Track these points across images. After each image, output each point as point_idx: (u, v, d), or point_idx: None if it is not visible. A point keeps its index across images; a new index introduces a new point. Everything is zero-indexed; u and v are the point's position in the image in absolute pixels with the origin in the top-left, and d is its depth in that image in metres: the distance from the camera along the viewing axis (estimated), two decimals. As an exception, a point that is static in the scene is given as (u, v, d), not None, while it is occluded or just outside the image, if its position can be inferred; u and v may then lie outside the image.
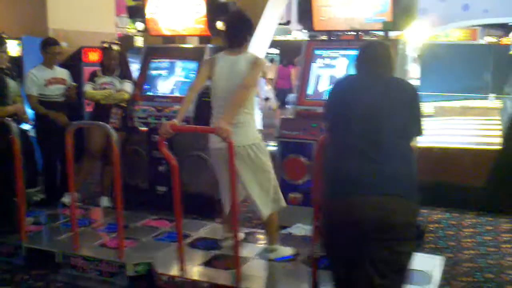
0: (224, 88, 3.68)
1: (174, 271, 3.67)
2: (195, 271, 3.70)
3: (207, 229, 4.54)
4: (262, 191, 3.75)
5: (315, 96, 4.73)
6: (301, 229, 4.57)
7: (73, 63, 6.82)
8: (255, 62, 3.69)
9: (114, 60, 5.39)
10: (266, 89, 11.67)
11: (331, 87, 2.86)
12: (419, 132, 2.63)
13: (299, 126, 4.65)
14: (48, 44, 5.42)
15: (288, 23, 17.86)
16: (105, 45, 5.42)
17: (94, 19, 7.68)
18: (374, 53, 2.74)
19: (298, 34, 12.92)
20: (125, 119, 5.39)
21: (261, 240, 4.21)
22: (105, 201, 5.38)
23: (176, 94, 5.35)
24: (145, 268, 3.79)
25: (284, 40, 17.71)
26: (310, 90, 4.76)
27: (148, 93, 5.51)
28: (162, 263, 3.80)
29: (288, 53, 14.98)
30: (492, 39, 20.93)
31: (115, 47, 5.41)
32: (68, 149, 3.96)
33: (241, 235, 4.14)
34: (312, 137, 4.53)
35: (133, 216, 4.78)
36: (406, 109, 2.58)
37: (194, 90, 3.78)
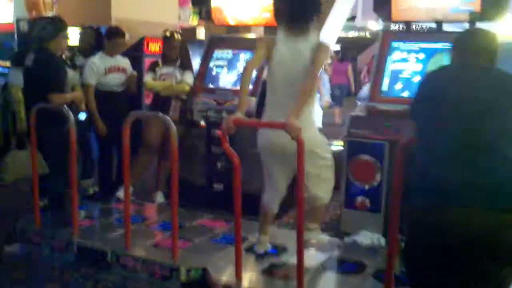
0: (285, 76, 3.33)
1: (230, 278, 3.37)
2: (253, 280, 3.39)
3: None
4: (323, 181, 3.60)
5: (390, 93, 4.32)
6: (368, 237, 4.16)
7: (134, 53, 6.65)
8: (321, 47, 3.33)
9: (175, 50, 5.16)
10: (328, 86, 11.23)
11: (421, 80, 2.46)
12: None
13: (370, 124, 4.24)
14: (114, 35, 5.24)
15: (353, 18, 17.34)
16: (167, 33, 5.19)
17: (157, 10, 7.49)
18: (479, 42, 2.32)
19: (371, 27, 12.21)
20: (185, 112, 5.15)
21: (326, 249, 3.86)
22: (160, 197, 5.16)
23: (239, 87, 5.05)
24: (199, 273, 3.52)
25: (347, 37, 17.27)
26: (384, 86, 4.35)
27: (210, 85, 5.25)
28: (217, 268, 3.51)
29: (347, 50, 14.51)
30: None
31: (176, 36, 5.17)
32: (125, 140, 3.74)
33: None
34: (384, 137, 4.14)
35: (189, 214, 4.53)
36: None
37: (249, 71, 3.43)
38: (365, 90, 4.49)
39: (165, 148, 5.08)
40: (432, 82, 2.39)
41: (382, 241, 4.12)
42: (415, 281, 2.28)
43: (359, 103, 4.45)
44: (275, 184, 3.59)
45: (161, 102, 5.07)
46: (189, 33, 9.89)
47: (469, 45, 2.34)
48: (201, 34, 9.51)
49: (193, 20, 10.67)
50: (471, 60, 2.31)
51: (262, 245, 3.76)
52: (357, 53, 18.66)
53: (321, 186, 3.61)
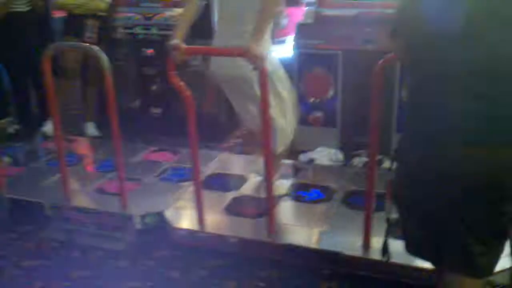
0: None
1: (192, 223, 3.05)
2: (218, 222, 3.09)
3: (217, 162, 3.88)
4: (281, 117, 3.11)
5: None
6: (325, 153, 3.95)
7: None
8: None
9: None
10: None
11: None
12: None
13: (320, 33, 3.87)
14: None
15: None
16: None
17: None
18: None
19: None
20: (106, 30, 4.49)
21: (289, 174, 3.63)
22: (91, 128, 4.65)
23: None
24: (155, 220, 3.17)
25: None
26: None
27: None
28: (176, 213, 3.18)
29: None
30: None
31: None
32: (47, 79, 3.14)
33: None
34: (337, 46, 3.82)
35: (128, 147, 4.00)
36: None
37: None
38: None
39: (87, 74, 4.52)
40: None
41: (340, 156, 3.94)
42: (406, 216, 2.03)
43: (305, 9, 4.03)
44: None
45: (76, 22, 4.40)
46: None
47: None
48: None
49: None
50: None
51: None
52: None
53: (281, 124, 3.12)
